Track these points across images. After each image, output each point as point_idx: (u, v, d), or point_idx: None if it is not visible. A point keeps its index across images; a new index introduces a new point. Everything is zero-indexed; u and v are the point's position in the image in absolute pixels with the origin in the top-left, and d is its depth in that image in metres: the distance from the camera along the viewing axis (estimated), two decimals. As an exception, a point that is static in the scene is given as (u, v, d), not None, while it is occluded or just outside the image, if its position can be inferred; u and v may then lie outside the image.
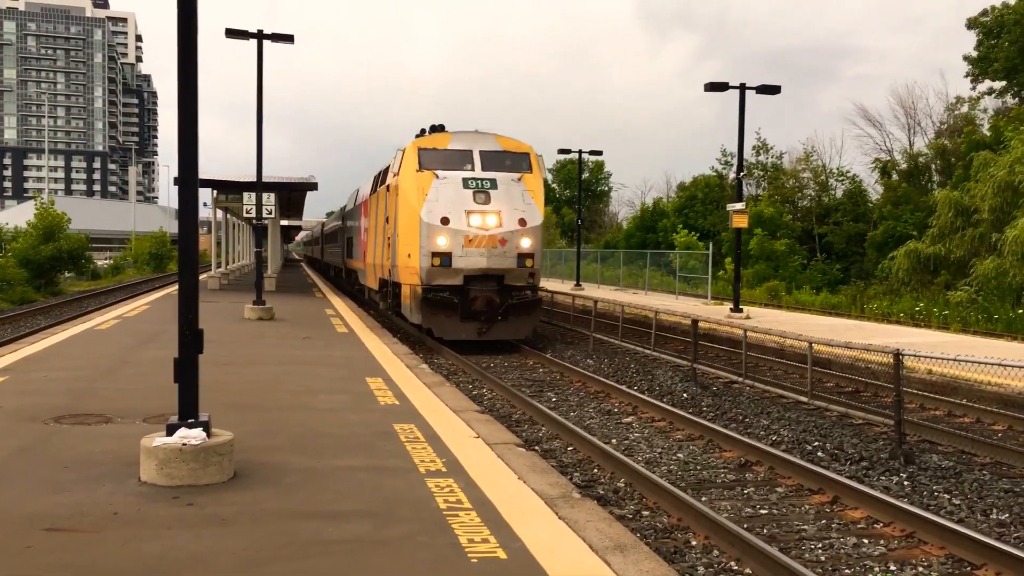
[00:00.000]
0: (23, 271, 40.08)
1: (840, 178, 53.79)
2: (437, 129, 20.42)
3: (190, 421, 6.20)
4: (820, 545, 6.82)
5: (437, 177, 18.39)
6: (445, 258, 18.02)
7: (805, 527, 7.26)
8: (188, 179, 6.29)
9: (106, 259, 71.82)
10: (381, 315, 25.51)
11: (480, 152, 19.12)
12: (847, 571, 6.35)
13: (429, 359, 16.85)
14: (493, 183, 18.46)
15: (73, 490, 5.92)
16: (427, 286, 18.24)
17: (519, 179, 18.82)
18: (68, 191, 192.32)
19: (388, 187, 21.41)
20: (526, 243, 18.36)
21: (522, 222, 18.36)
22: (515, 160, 19.46)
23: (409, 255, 18.79)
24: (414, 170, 18.74)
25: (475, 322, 18.45)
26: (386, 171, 22.82)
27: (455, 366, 16.60)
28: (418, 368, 12.64)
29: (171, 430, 6.13)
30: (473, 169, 18.77)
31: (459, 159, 19.05)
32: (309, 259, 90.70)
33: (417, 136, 20.50)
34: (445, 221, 18.01)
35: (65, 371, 11.28)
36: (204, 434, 6.15)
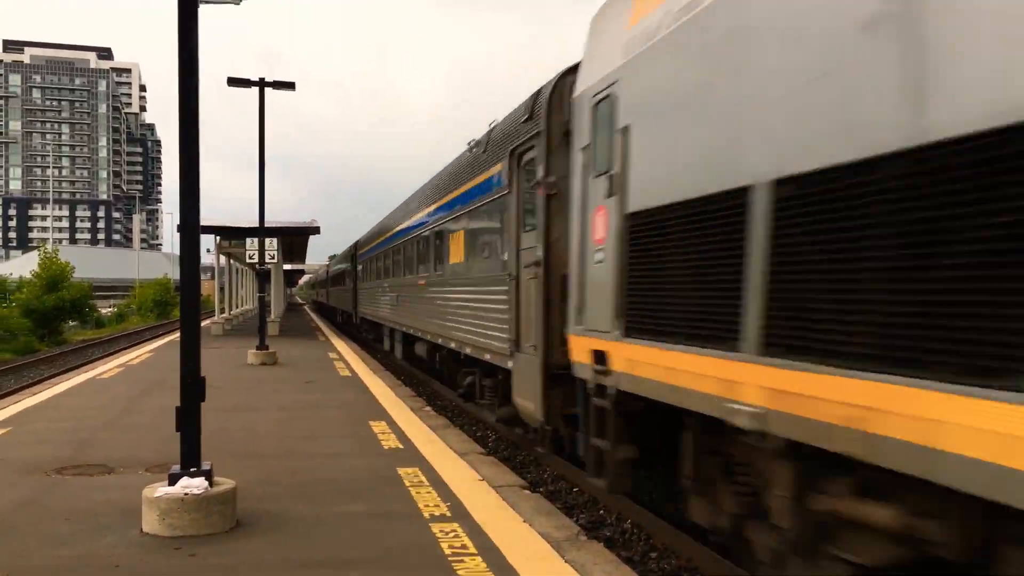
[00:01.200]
0: (26, 321, 40.14)
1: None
2: None
3: (192, 470, 6.15)
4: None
5: None
6: None
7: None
8: (190, 227, 6.33)
9: (110, 307, 71.96)
10: (385, 357, 25.39)
11: None
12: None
13: (433, 401, 16.76)
14: None
15: (74, 543, 5.86)
16: None
17: None
18: (73, 240, 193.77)
19: None
20: None
21: None
22: None
23: None
24: None
25: None
26: None
27: (460, 408, 16.50)
28: (422, 411, 12.57)
29: (173, 479, 6.09)
30: None
31: None
32: (319, 306, 73.19)
33: None
34: None
35: (68, 421, 11.24)
36: (206, 483, 6.10)
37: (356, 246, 35.35)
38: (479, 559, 5.52)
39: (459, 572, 5.25)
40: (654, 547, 7.62)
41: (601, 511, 8.85)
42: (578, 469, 9.20)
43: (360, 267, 32.99)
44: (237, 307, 47.23)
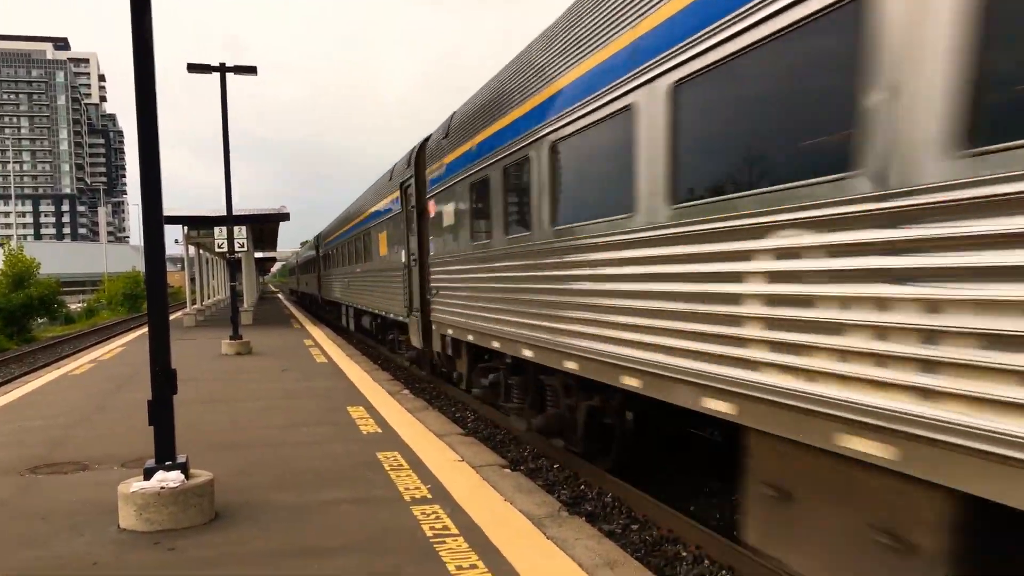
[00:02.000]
0: (-6, 320, 39.51)
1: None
2: None
3: (167, 464, 6.10)
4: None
5: None
6: None
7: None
8: (153, 218, 6.22)
9: (80, 302, 70.97)
10: (362, 342, 25.25)
11: None
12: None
13: (411, 384, 16.74)
14: None
15: (51, 542, 5.79)
16: None
17: None
18: (37, 236, 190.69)
19: None
20: None
21: None
22: None
23: None
24: None
25: None
26: None
27: (438, 390, 16.49)
28: (400, 394, 12.55)
29: (148, 474, 6.03)
30: None
31: None
32: (302, 299, 58.31)
33: None
34: None
35: (40, 419, 11.08)
36: (182, 476, 6.05)
37: (418, 158, 15.33)
38: (461, 539, 5.53)
39: (441, 554, 5.26)
40: (635, 519, 7.69)
41: (582, 486, 8.90)
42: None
43: (447, 207, 12.86)
44: (209, 297, 46.78)
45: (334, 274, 33.55)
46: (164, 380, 6.19)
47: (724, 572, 6.28)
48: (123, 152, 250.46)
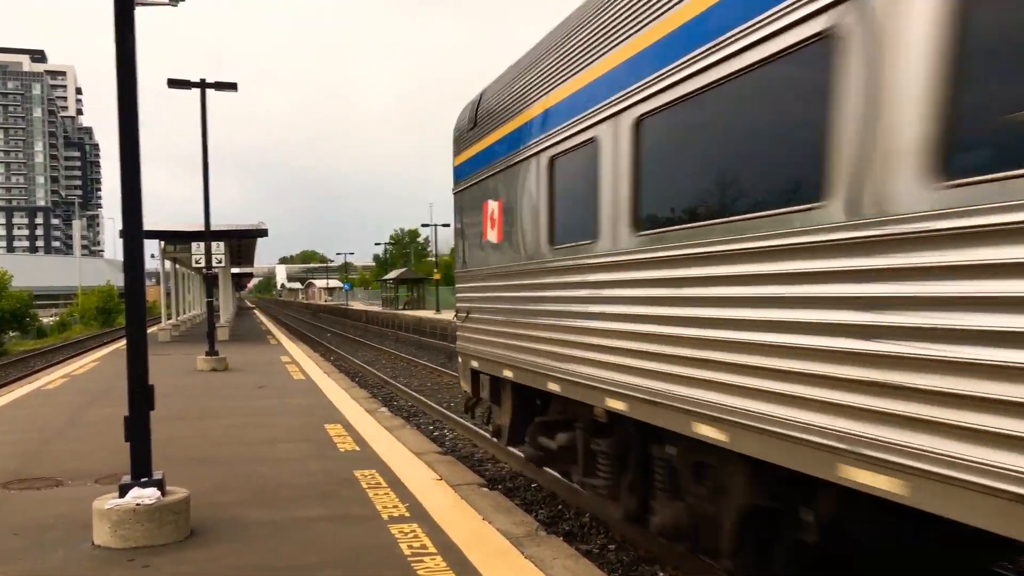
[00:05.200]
0: (-36, 333, 38.96)
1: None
2: None
3: (143, 480, 6.04)
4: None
5: None
6: None
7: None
8: (132, 231, 6.20)
9: (52, 316, 70.11)
10: (340, 359, 25.11)
11: None
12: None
13: (390, 402, 16.69)
14: None
15: (24, 558, 5.71)
16: None
17: None
18: (10, 248, 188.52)
19: None
20: None
21: None
22: None
23: None
24: None
25: None
26: None
27: (416, 408, 16.46)
28: (378, 412, 12.51)
29: (124, 490, 5.97)
30: None
31: None
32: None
33: None
34: None
35: (12, 434, 10.93)
36: (158, 493, 6.00)
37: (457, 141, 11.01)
38: (439, 558, 5.52)
39: (419, 572, 5.25)
40: (612, 539, 7.71)
41: (560, 506, 8.91)
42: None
43: (506, 196, 8.89)
44: (185, 313, 46.39)
45: None
46: (141, 396, 6.15)
47: (700, 592, 6.31)
48: (99, 165, 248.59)
